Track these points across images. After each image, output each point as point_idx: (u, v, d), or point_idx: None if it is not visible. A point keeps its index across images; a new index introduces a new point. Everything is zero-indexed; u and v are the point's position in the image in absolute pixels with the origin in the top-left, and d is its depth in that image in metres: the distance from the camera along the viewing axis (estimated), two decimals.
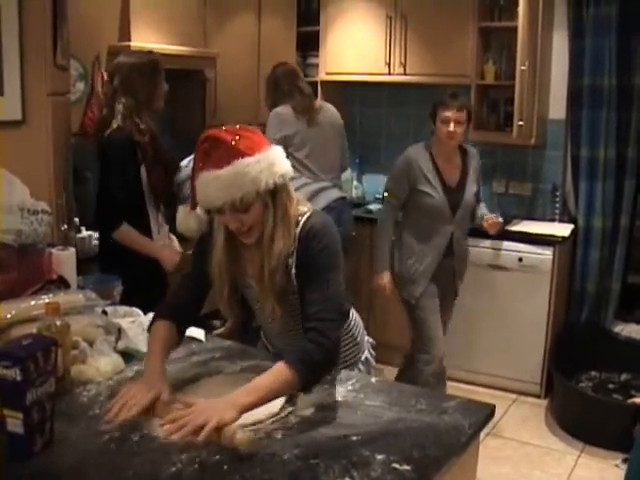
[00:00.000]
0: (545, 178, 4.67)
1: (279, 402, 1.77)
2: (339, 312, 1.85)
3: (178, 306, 1.96)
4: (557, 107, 4.53)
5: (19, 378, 1.45)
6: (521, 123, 4.11)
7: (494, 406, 1.90)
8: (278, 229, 1.82)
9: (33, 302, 1.93)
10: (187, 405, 1.66)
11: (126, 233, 2.92)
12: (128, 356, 2.05)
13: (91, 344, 2.00)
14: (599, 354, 4.34)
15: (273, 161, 1.78)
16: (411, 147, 3.61)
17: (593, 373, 4.34)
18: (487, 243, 4.30)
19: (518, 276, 4.26)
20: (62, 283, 2.15)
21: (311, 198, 3.61)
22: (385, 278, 3.62)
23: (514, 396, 4.36)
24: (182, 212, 1.97)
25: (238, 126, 1.82)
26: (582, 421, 3.90)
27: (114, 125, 2.91)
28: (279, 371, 1.70)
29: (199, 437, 1.52)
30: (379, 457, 1.57)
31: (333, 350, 1.82)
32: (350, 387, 1.94)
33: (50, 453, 1.55)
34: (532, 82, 4.22)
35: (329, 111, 4.07)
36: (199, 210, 2.01)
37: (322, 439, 1.65)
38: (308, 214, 1.89)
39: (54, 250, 2.25)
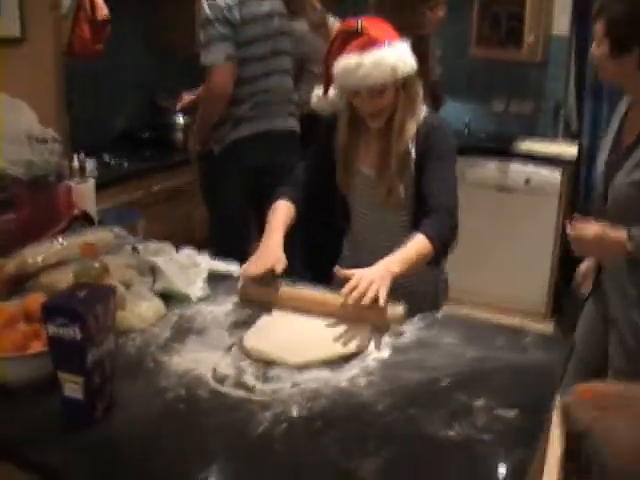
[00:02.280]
0: (547, 96, 4.50)
1: (354, 343, 1.64)
2: (453, 193, 1.95)
3: (297, 187, 2.07)
4: (561, 23, 4.32)
5: (79, 337, 1.24)
6: (531, 39, 3.90)
7: (574, 341, 1.78)
8: (408, 114, 1.94)
9: (64, 243, 1.70)
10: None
11: None
12: (167, 298, 1.85)
13: (127, 287, 1.79)
14: None
15: (406, 52, 1.89)
16: None
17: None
18: (492, 165, 4.15)
19: (524, 198, 4.13)
20: (86, 220, 1.91)
21: None
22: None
23: (518, 319, 4.28)
24: (316, 96, 2.22)
25: (366, 17, 1.92)
26: None
27: None
28: (421, 242, 1.81)
29: (381, 301, 1.65)
30: (478, 403, 1.43)
31: (456, 230, 1.93)
32: (420, 324, 1.78)
33: (112, 418, 1.36)
34: None
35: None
36: (331, 92, 2.07)
37: (411, 385, 1.49)
38: (426, 112, 2.00)
39: (73, 183, 2.00)
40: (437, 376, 1.53)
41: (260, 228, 3.39)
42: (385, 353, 1.63)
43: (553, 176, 4.05)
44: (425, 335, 1.73)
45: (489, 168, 4.18)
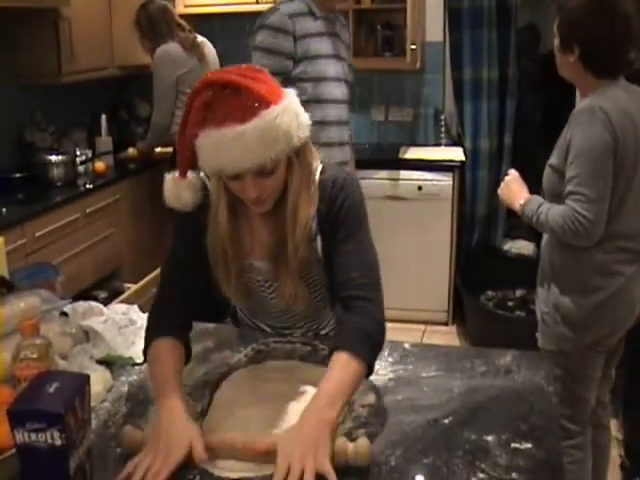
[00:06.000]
0: (426, 102, 4.56)
1: None
2: (377, 275, 1.54)
3: (176, 312, 1.53)
4: (434, 30, 4.39)
5: (59, 442, 1.02)
6: (414, 47, 3.92)
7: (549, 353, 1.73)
8: (303, 193, 1.49)
9: None
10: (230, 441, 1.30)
11: None
12: (107, 365, 1.63)
13: (64, 358, 1.56)
14: (493, 273, 4.35)
15: (297, 109, 1.42)
16: None
17: (490, 293, 4.33)
18: (383, 174, 4.12)
19: (419, 205, 4.13)
20: (3, 286, 1.64)
21: None
22: None
23: (422, 327, 4.30)
24: (170, 181, 1.47)
25: (243, 66, 1.41)
26: (495, 341, 3.90)
27: None
28: (347, 365, 1.37)
29: (330, 478, 1.20)
30: (490, 439, 1.34)
31: (384, 320, 1.50)
32: (390, 359, 1.67)
33: None
34: (414, 5, 4.02)
35: (208, 45, 3.86)
36: (191, 177, 1.48)
37: (414, 430, 1.38)
38: (320, 167, 1.56)
39: None
40: (435, 416, 1.42)
41: None
42: (371, 397, 1.50)
43: (445, 181, 4.09)
44: (403, 371, 1.62)
45: (380, 178, 4.15)
